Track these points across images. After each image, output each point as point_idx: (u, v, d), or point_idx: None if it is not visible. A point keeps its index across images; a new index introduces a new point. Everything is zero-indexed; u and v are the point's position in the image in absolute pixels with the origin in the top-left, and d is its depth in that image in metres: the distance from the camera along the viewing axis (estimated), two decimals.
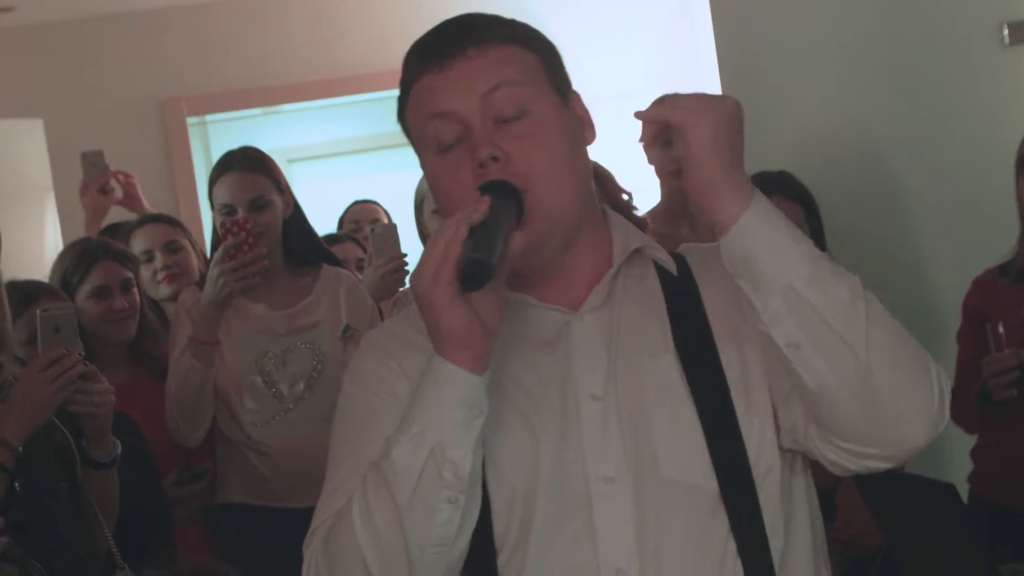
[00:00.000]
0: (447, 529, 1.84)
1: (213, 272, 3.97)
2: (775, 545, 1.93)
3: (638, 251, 2.05)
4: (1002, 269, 3.87)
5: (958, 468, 3.89)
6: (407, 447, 1.82)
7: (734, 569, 1.91)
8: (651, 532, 1.91)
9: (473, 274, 1.77)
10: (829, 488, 3.65)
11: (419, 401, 1.85)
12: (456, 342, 1.82)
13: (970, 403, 3.83)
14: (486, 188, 1.88)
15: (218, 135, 8.50)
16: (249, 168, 4.15)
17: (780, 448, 1.96)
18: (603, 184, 4.12)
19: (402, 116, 2.05)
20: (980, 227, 4.06)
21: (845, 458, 1.88)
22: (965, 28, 4.34)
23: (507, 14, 5.85)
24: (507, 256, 1.84)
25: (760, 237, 1.82)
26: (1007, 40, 4.35)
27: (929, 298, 4.15)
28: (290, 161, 8.60)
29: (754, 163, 3.92)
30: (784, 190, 3.87)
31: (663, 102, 1.90)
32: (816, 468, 3.31)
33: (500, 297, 1.87)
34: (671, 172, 4.25)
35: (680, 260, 2.06)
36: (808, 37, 4.31)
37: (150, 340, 4.23)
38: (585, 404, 1.95)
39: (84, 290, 4.03)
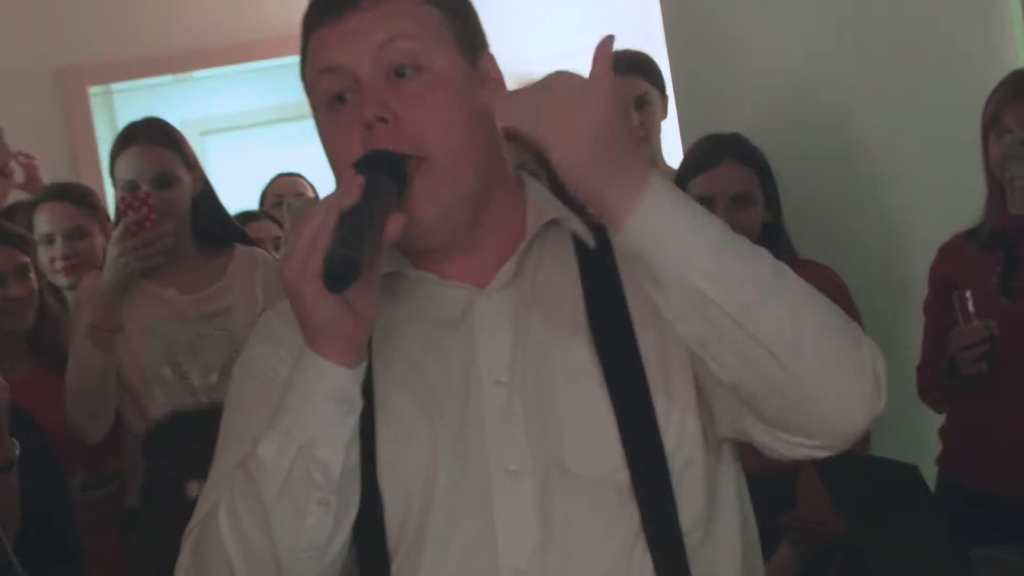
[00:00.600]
0: (319, 533, 1.83)
1: (113, 251, 3.95)
2: (693, 540, 1.92)
3: (554, 222, 2.01)
4: (969, 235, 3.89)
5: (927, 449, 3.93)
6: (273, 445, 1.82)
7: (641, 566, 1.90)
8: (556, 529, 1.90)
9: (338, 273, 1.75)
10: (789, 474, 3.69)
11: (288, 396, 1.84)
12: (326, 335, 1.82)
13: (937, 378, 3.88)
14: (360, 164, 1.84)
15: (125, 105, 8.45)
16: (153, 141, 4.12)
17: (705, 438, 1.95)
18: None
19: (303, 74, 2.01)
20: (951, 192, 4.09)
21: (779, 445, 1.87)
22: None
23: None
24: (382, 244, 1.83)
25: (654, 233, 1.75)
26: None
27: (899, 268, 4.17)
28: (203, 133, 8.58)
29: (707, 126, 3.99)
30: (736, 154, 3.91)
31: (517, 102, 1.83)
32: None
33: (375, 284, 1.85)
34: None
35: (600, 231, 1.95)
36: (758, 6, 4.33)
37: (51, 330, 4.22)
38: (488, 390, 1.94)
39: None
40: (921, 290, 4.01)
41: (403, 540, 1.92)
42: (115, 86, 7.89)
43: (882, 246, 4.25)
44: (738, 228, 3.74)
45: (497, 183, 1.99)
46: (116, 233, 4.02)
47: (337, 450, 1.82)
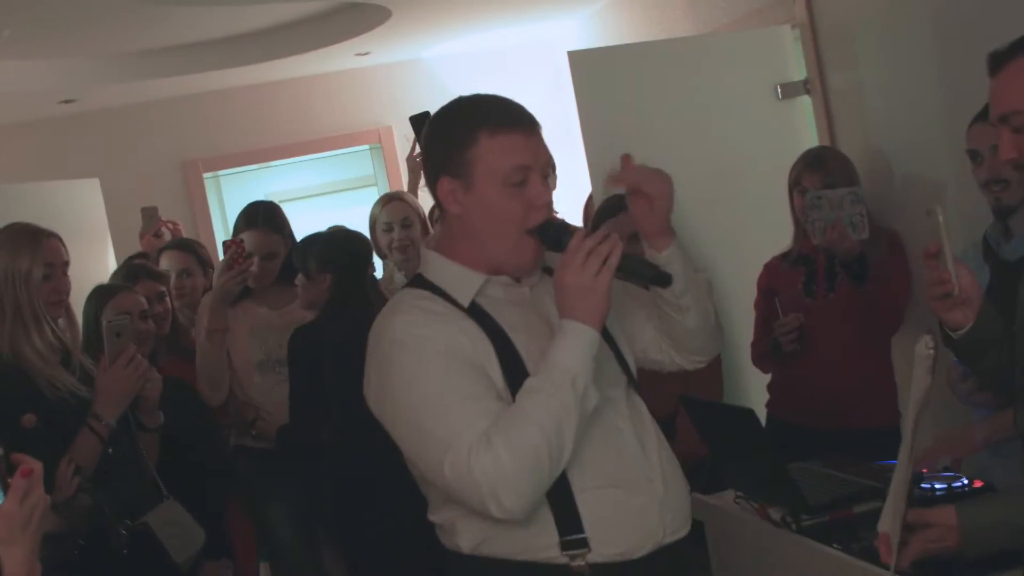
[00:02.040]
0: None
1: (217, 280, 3.96)
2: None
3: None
4: (784, 257, 3.91)
5: (757, 399, 3.94)
6: (588, 381, 2.04)
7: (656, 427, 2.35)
8: (623, 405, 2.28)
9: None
10: (671, 414, 3.68)
11: (584, 353, 2.04)
12: (605, 317, 2.07)
13: (764, 352, 3.89)
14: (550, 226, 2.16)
15: (228, 185, 8.44)
16: (269, 228, 4.11)
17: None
18: None
19: (462, 143, 2.14)
20: (766, 230, 4.10)
21: (685, 361, 2.41)
22: (745, 87, 4.40)
23: (419, 81, 5.84)
24: None
25: (680, 253, 2.26)
26: (780, 95, 4.41)
27: (738, 278, 4.18)
28: (280, 202, 8.51)
29: (607, 189, 3.98)
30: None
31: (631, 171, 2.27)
32: (660, 401, 3.39)
33: None
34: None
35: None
36: (640, 104, 4.33)
37: (180, 334, 4.22)
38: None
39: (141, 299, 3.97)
40: (747, 294, 4.02)
41: None
42: (221, 172, 7.84)
43: (727, 265, 4.25)
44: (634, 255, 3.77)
45: None
46: (218, 267, 4.05)
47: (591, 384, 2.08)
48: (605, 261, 2.02)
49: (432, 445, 2.02)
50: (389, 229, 4.57)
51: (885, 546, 2.16)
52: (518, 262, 2.19)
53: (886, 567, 2.18)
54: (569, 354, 2.02)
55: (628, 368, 2.31)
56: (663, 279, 2.14)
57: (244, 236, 4.07)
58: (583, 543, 2.10)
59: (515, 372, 2.08)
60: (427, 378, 2.05)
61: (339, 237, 4.00)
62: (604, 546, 2.11)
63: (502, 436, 1.97)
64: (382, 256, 4.66)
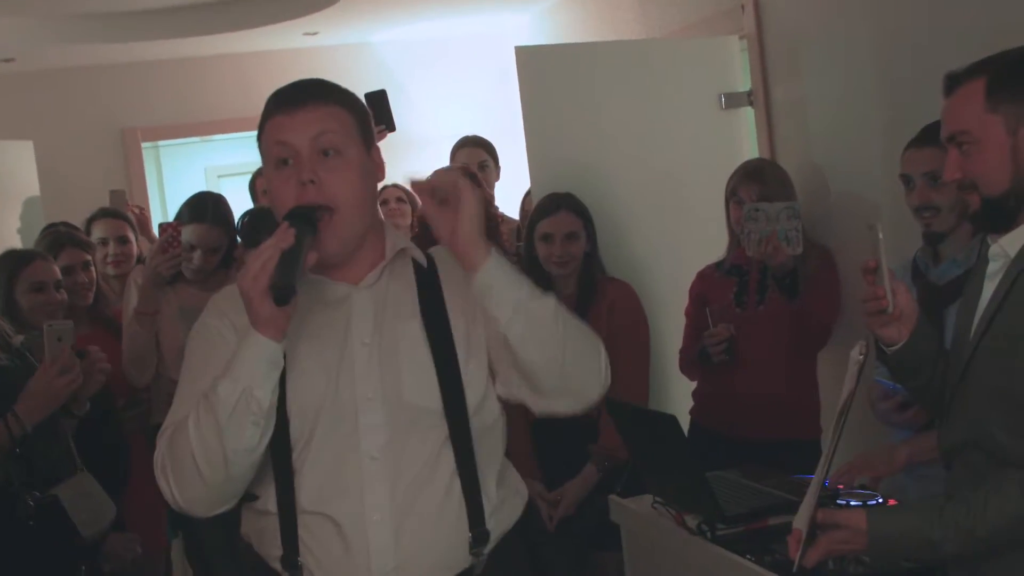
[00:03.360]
0: (252, 440, 1.97)
1: (150, 262, 3.90)
2: (478, 442, 2.12)
3: (403, 251, 2.18)
4: (718, 265, 3.92)
5: (681, 405, 3.95)
6: (228, 386, 1.94)
7: (447, 457, 2.08)
8: (397, 434, 2.07)
9: (284, 295, 1.91)
10: (595, 416, 3.69)
11: (238, 356, 1.96)
12: (264, 324, 1.94)
13: (692, 360, 3.89)
14: (290, 217, 1.99)
15: (167, 156, 8.37)
16: (214, 222, 4.04)
17: (491, 384, 2.14)
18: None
19: (259, 140, 2.12)
20: (701, 238, 4.11)
21: (545, 404, 2.09)
22: (690, 94, 4.41)
23: (366, 65, 5.84)
24: (305, 269, 1.97)
25: (499, 273, 1.98)
26: (723, 105, 4.43)
27: (670, 285, 4.19)
28: (219, 176, 8.47)
29: (551, 187, 3.99)
30: (569, 206, 3.88)
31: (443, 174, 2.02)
32: None
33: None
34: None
35: (430, 258, 2.19)
36: (584, 104, 4.33)
37: (103, 304, 4.15)
38: (357, 348, 2.09)
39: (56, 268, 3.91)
40: (679, 300, 4.02)
41: (300, 439, 2.07)
42: (161, 143, 7.76)
43: (661, 270, 4.26)
44: (569, 256, 3.77)
45: (372, 226, 2.14)
46: (154, 248, 3.99)
47: (267, 392, 1.96)
48: (261, 271, 1.92)
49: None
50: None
51: (794, 542, 2.18)
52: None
53: (790, 562, 2.20)
54: (236, 365, 1.97)
55: (454, 395, 2.09)
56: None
57: (189, 228, 4.00)
58: (296, 565, 2.08)
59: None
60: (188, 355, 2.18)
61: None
62: (314, 575, 2.07)
63: (171, 430, 2.04)
64: None
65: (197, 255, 3.96)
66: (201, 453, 1.96)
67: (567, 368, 2.02)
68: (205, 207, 4.07)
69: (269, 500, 2.10)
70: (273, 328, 1.94)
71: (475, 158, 5.09)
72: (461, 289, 2.08)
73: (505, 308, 1.98)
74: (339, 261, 2.11)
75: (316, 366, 2.07)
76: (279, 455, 2.07)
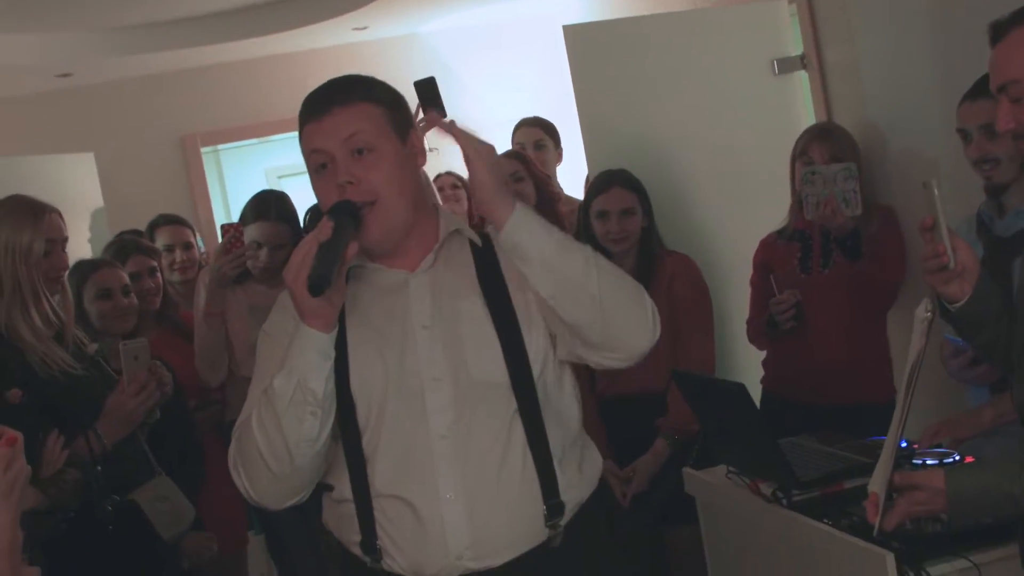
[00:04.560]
0: (312, 430, 2.01)
1: (214, 263, 3.92)
2: (548, 410, 2.13)
3: (456, 232, 2.20)
4: (779, 233, 3.89)
5: (750, 375, 3.92)
6: (283, 380, 1.99)
7: (516, 431, 2.10)
8: (465, 411, 2.08)
9: (316, 285, 1.94)
10: (661, 392, 3.68)
11: (290, 350, 2.01)
12: (311, 315, 1.98)
13: (760, 329, 3.87)
14: (331, 211, 2.03)
15: (226, 160, 8.44)
16: (279, 220, 4.05)
17: (553, 351, 2.14)
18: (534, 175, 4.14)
19: (300, 145, 2.15)
20: (761, 206, 4.08)
21: (598, 359, 2.09)
22: (741, 62, 4.38)
23: (416, 56, 5.85)
24: (346, 260, 1.99)
25: (523, 229, 2.01)
26: (776, 71, 4.39)
27: (731, 255, 4.17)
28: (280, 177, 8.53)
29: (605, 163, 3.98)
30: (622, 182, 3.86)
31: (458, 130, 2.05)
32: (652, 376, 3.37)
33: (342, 284, 2.01)
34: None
35: (486, 237, 2.20)
36: (636, 79, 4.32)
37: (171, 308, 4.20)
38: (419, 331, 2.12)
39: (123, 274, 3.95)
40: (743, 270, 4.00)
41: (369, 423, 2.11)
42: (220, 147, 7.83)
43: (722, 241, 4.24)
44: (625, 232, 3.76)
45: (419, 211, 2.16)
46: (218, 248, 4.00)
47: (320, 382, 2.00)
48: (301, 266, 1.97)
49: None
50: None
51: (872, 506, 2.18)
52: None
53: (870, 527, 2.20)
54: (289, 358, 2.01)
55: (520, 368, 2.12)
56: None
57: (253, 227, 4.02)
58: (375, 548, 2.12)
59: (339, 367, 2.08)
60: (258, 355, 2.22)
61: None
62: (393, 556, 2.11)
63: (241, 428, 2.09)
64: None
65: (264, 253, 3.98)
66: (266, 447, 2.01)
67: (609, 320, 2.03)
68: (268, 205, 4.10)
69: (344, 488, 2.14)
70: (320, 320, 1.98)
71: (531, 137, 5.09)
72: (518, 275, 2.10)
73: (533, 266, 2.02)
74: (388, 249, 2.15)
75: (378, 353, 2.11)
76: (350, 443, 2.12)
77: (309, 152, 2.11)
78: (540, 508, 2.10)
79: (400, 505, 2.09)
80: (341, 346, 2.08)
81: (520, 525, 2.10)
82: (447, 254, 2.19)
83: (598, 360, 2.10)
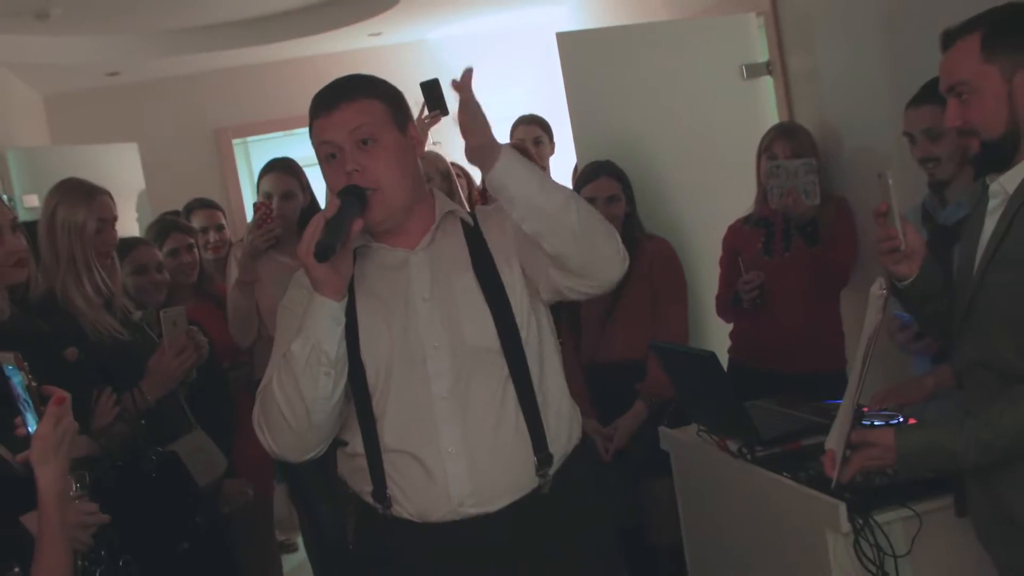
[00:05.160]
0: (327, 388, 2.01)
1: (248, 236, 3.91)
2: (534, 371, 2.14)
3: (451, 212, 2.21)
4: (746, 219, 3.88)
5: (719, 345, 3.92)
6: (300, 344, 2.00)
7: (510, 394, 2.12)
8: (462, 375, 2.10)
9: (321, 252, 1.94)
10: (641, 358, 3.68)
11: (306, 317, 2.01)
12: (321, 284, 1.99)
13: (727, 305, 3.87)
14: (340, 193, 2.04)
15: (255, 152, 8.40)
16: (284, 171, 4.04)
17: (537, 309, 2.18)
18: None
19: (311, 138, 2.14)
20: (730, 195, 4.07)
21: (577, 286, 2.09)
22: (714, 67, 4.36)
23: (424, 60, 5.78)
24: (352, 234, 1.99)
25: (508, 172, 2.00)
26: (745, 75, 4.38)
27: (703, 239, 4.15)
28: (305, 167, 8.49)
29: (592, 155, 3.97)
30: (609, 171, 3.84)
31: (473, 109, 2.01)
32: (633, 345, 3.33)
33: (348, 257, 2.02)
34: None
35: (474, 217, 2.23)
36: (621, 82, 4.30)
37: (206, 281, 4.18)
38: (419, 304, 2.13)
39: (164, 251, 3.95)
40: (714, 252, 3.99)
41: (377, 386, 2.12)
42: (250, 139, 7.79)
43: (695, 226, 4.23)
44: (610, 217, 3.76)
45: (418, 194, 2.17)
46: (249, 225, 3.97)
47: (333, 344, 2.01)
48: (311, 240, 1.97)
49: None
50: None
51: (830, 461, 2.19)
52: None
53: (829, 479, 2.20)
54: (305, 324, 2.02)
55: (510, 334, 2.13)
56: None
57: (264, 181, 4.01)
58: (385, 497, 2.13)
59: (349, 336, 2.09)
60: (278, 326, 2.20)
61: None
62: (402, 504, 2.13)
63: (263, 391, 2.08)
64: None
65: (275, 203, 3.95)
66: (286, 405, 2.01)
67: (586, 251, 2.03)
68: (274, 162, 4.10)
69: (357, 443, 2.15)
70: (330, 288, 1.98)
71: (530, 134, 5.09)
72: (502, 240, 2.15)
73: (519, 206, 2.01)
74: (390, 228, 2.15)
75: (384, 323, 2.12)
76: (361, 403, 2.12)
77: (319, 143, 2.10)
78: (531, 459, 2.12)
79: (407, 459, 2.10)
80: (351, 317, 2.08)
81: (514, 474, 2.11)
82: (443, 234, 2.19)
83: (577, 287, 2.10)
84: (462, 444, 2.08)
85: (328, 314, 1.99)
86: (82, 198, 3.10)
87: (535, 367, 2.15)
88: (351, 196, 2.03)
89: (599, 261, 2.06)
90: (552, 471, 2.14)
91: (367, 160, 2.06)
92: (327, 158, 2.10)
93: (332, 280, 1.98)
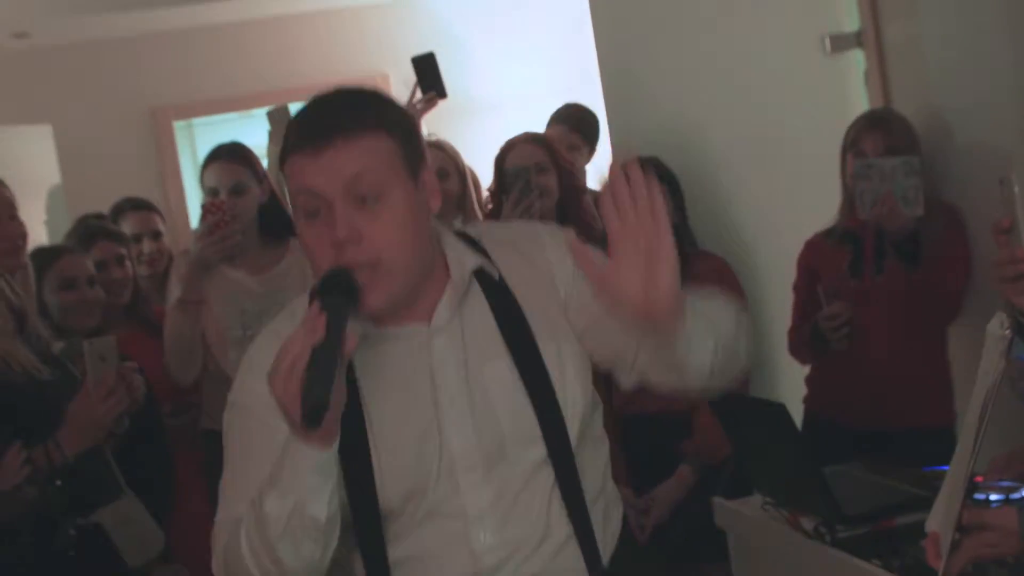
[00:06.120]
0: (313, 555, 1.87)
1: (196, 245, 3.92)
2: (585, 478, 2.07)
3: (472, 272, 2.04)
4: (828, 233, 3.90)
5: (791, 393, 3.94)
6: (276, 502, 1.82)
7: (559, 509, 2.04)
8: (504, 488, 2.02)
9: (315, 414, 1.73)
10: (685, 411, 3.70)
11: (282, 467, 1.82)
12: (304, 433, 1.77)
13: (804, 340, 3.88)
14: (321, 288, 1.83)
15: (202, 136, 8.46)
16: (233, 158, 4.07)
17: (591, 406, 2.09)
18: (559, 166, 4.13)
19: (282, 165, 1.93)
20: (808, 202, 4.09)
21: (677, 384, 1.97)
22: (789, 37, 4.40)
23: (420, 24, 5.83)
24: (346, 357, 1.79)
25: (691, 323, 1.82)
26: (828, 49, 4.40)
27: (770, 258, 4.18)
28: (261, 156, 8.54)
29: (631, 150, 4.00)
30: (653, 171, 3.87)
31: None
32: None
33: (341, 386, 1.79)
34: None
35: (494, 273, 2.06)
36: (669, 56, 4.33)
37: (141, 302, 4.21)
38: (446, 404, 2.00)
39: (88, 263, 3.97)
40: (786, 273, 4.01)
41: (391, 512, 2.00)
42: (195, 120, 7.85)
43: (763, 240, 4.26)
44: None
45: (428, 259, 2.00)
46: (199, 230, 3.97)
47: (322, 506, 1.83)
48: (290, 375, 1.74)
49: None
50: None
51: (933, 547, 2.17)
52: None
53: (927, 569, 2.19)
54: (282, 476, 1.84)
55: (557, 434, 2.04)
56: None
57: (206, 174, 4.05)
58: None
59: (360, 450, 1.97)
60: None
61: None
62: None
63: (225, 538, 1.94)
64: None
65: (222, 200, 3.95)
66: (258, 572, 1.87)
67: (733, 343, 1.97)
68: (219, 148, 4.12)
69: (357, 567, 2.07)
70: (317, 438, 1.78)
71: (564, 142, 4.97)
72: (541, 303, 2.03)
73: (704, 353, 1.89)
74: (397, 307, 1.97)
75: (401, 428, 2.00)
76: (367, 530, 2.01)
77: (297, 190, 1.90)
78: None
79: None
80: (359, 420, 1.97)
81: None
82: (463, 298, 2.04)
83: (675, 384, 1.97)
84: (500, 560, 2.03)
85: (314, 467, 1.80)
86: None
87: (583, 462, 2.10)
88: (337, 297, 1.81)
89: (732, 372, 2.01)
90: None
91: (366, 224, 1.86)
92: (307, 213, 1.89)
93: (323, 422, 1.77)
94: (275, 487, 1.82)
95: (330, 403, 1.73)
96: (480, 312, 2.03)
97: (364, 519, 1.98)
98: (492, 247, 2.07)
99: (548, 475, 2.03)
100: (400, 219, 1.89)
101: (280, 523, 1.82)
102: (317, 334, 1.73)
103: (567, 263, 2.02)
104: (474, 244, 2.08)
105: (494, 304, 2.03)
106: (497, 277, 2.04)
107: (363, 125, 1.88)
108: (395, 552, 2.02)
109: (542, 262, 2.04)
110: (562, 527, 2.05)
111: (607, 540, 2.14)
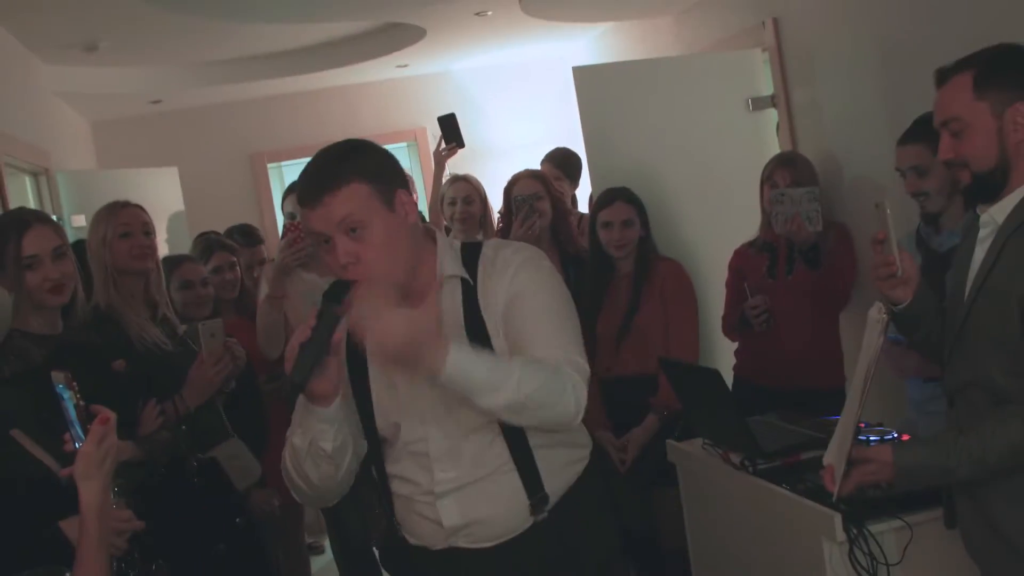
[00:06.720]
0: (329, 470, 2.02)
1: (279, 255, 3.92)
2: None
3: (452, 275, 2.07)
4: (751, 244, 3.90)
5: (724, 362, 3.95)
6: (299, 438, 1.99)
7: (501, 451, 2.08)
8: (456, 440, 2.08)
9: (294, 391, 1.89)
10: (653, 373, 3.67)
11: (302, 415, 1.98)
12: (313, 397, 1.91)
13: (734, 324, 3.88)
14: (323, 297, 1.91)
15: (288, 173, 8.44)
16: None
17: None
18: (552, 195, 4.10)
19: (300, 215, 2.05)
20: (737, 221, 4.09)
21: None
22: (722, 99, 4.40)
23: (449, 90, 5.80)
24: (336, 345, 1.86)
25: (456, 381, 1.86)
26: (751, 108, 4.41)
27: (711, 262, 4.18)
28: None
29: (607, 183, 4.00)
30: (624, 197, 3.86)
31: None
32: (645, 361, 3.31)
33: (337, 362, 1.90)
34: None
35: (475, 276, 2.09)
36: (634, 113, 4.33)
37: (247, 297, 4.21)
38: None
39: (208, 268, 3.98)
40: (721, 274, 4.00)
41: (386, 439, 2.12)
42: (283, 163, 7.84)
43: (704, 249, 4.25)
44: (626, 239, 3.75)
45: (415, 260, 2.03)
46: (281, 244, 3.95)
47: (328, 442, 1.97)
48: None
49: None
50: (453, 203, 4.50)
51: (829, 476, 2.18)
52: None
53: (823, 491, 2.20)
54: (302, 422, 2.00)
55: None
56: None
57: (286, 203, 3.99)
58: (395, 523, 2.18)
59: (363, 396, 2.09)
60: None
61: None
62: (406, 531, 2.17)
63: (286, 452, 2.07)
64: (447, 228, 4.59)
65: (299, 221, 3.92)
66: (296, 477, 2.05)
67: (538, 418, 1.97)
68: (294, 184, 4.09)
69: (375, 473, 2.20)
70: (320, 399, 1.91)
71: (550, 175, 5.00)
72: (494, 308, 2.05)
73: (477, 404, 1.92)
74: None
75: (392, 387, 2.09)
76: (373, 448, 2.13)
77: (308, 231, 2.01)
78: (525, 503, 2.09)
79: (409, 488, 2.13)
80: (364, 382, 2.09)
81: (506, 517, 2.10)
82: (444, 293, 2.08)
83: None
84: (454, 486, 2.08)
85: (320, 418, 1.94)
86: (104, 213, 3.19)
87: None
88: (328, 307, 1.88)
89: (556, 418, 1.99)
90: (550, 507, 2.11)
91: (359, 248, 1.93)
92: (321, 243, 1.98)
93: (321, 389, 1.90)
94: (299, 428, 1.98)
95: (305, 387, 1.86)
96: (453, 305, 2.06)
97: (371, 441, 2.10)
98: (482, 260, 2.09)
99: (493, 422, 2.04)
100: (381, 241, 1.94)
101: (303, 451, 1.98)
102: (304, 335, 1.85)
103: (512, 289, 2.05)
104: (473, 254, 2.11)
105: (464, 301, 2.06)
106: (472, 283, 2.07)
107: (342, 180, 1.93)
108: (391, 468, 2.14)
109: (504, 281, 2.05)
110: (504, 460, 2.07)
111: (565, 469, 2.14)
